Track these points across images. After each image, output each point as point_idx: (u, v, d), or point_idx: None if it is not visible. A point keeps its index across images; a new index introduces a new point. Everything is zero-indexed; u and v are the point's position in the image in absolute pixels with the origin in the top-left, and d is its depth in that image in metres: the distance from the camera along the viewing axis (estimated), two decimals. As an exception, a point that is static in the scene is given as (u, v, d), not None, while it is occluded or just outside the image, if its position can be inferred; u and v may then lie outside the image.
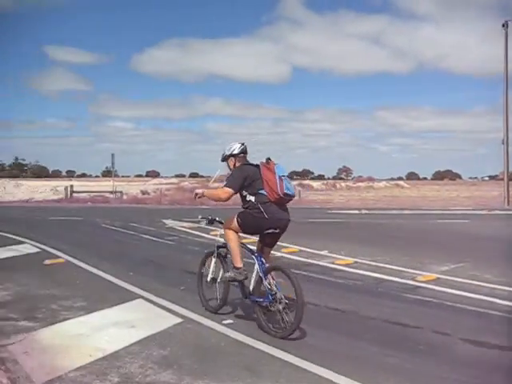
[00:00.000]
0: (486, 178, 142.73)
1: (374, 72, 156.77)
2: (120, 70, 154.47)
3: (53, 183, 45.74)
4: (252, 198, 5.67)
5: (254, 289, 5.71)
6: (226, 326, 5.54)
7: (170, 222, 15.88)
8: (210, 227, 14.40)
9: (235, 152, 5.95)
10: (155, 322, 5.65)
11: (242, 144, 6.00)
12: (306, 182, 70.70)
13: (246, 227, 5.75)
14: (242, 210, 5.77)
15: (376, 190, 60.62)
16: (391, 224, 17.26)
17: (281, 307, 5.28)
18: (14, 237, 12.32)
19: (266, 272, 5.57)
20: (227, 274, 5.85)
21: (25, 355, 4.63)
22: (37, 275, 8.18)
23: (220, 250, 6.20)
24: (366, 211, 22.53)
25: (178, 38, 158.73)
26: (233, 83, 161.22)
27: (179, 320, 5.73)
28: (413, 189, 64.99)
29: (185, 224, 15.42)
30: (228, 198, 5.73)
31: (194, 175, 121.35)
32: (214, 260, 6.23)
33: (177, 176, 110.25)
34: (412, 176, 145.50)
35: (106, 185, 49.74)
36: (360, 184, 72.41)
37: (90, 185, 52.72)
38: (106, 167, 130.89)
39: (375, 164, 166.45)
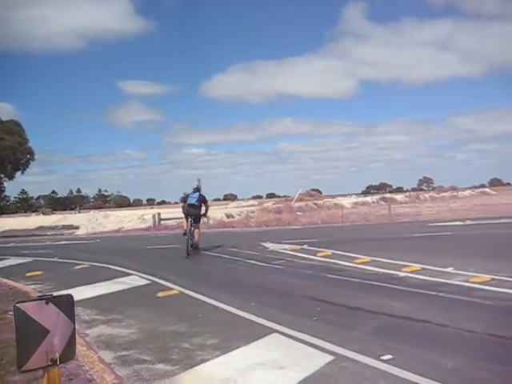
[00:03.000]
0: None
1: (444, 78, 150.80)
2: (190, 99, 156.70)
3: (138, 212, 46.45)
4: (186, 205, 14.49)
5: (188, 235, 14.07)
6: (387, 362, 4.80)
7: (270, 245, 15.27)
8: (315, 248, 13.85)
9: (194, 187, 14.72)
10: (304, 361, 5.00)
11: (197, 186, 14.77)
12: (388, 195, 68.72)
13: (185, 216, 14.46)
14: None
15: (462, 200, 57.87)
16: (508, 234, 15.94)
17: (191, 243, 14.05)
18: (118, 268, 12.07)
19: (191, 231, 14.12)
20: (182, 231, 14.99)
21: (177, 408, 4.09)
22: (155, 309, 7.77)
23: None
24: (471, 222, 21.15)
25: (244, 62, 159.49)
26: (302, 102, 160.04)
27: (330, 357, 5.05)
28: (501, 195, 61.51)
29: (286, 246, 14.78)
30: (183, 207, 14.73)
31: (270, 196, 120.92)
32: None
33: (254, 198, 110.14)
34: (495, 182, 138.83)
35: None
36: (444, 194, 69.65)
37: (172, 211, 53.31)
38: (184, 193, 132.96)
39: (455, 172, 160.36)
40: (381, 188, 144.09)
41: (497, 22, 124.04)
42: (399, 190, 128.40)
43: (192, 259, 13.63)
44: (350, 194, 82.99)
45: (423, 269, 9.93)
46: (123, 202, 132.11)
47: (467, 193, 72.73)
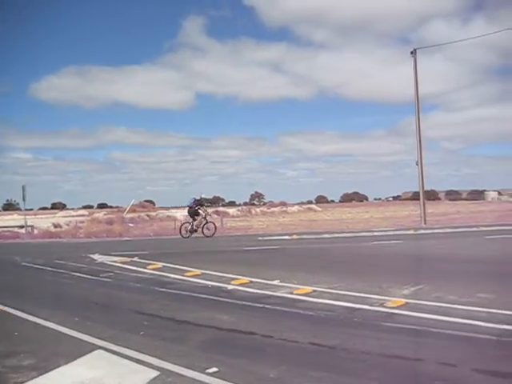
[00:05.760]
0: (390, 199, 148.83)
1: (278, 99, 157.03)
2: (17, 99, 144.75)
3: (-49, 220, 42.34)
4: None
5: (192, 227, 24.32)
6: (213, 375, 4.80)
7: (98, 257, 14.69)
8: (145, 261, 13.58)
9: (202, 197, 25.82)
10: (128, 379, 4.82)
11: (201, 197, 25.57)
12: (222, 209, 70.04)
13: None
14: None
15: (291, 215, 60.97)
16: (329, 248, 16.97)
17: (190, 229, 24.33)
18: None
19: (192, 223, 24.34)
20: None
21: None
22: (-37, 328, 7.03)
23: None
24: (297, 236, 22.26)
25: (78, 65, 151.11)
26: (137, 111, 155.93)
27: (155, 373, 4.92)
28: (325, 211, 65.85)
29: (115, 258, 14.32)
30: None
31: (102, 206, 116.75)
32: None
33: (85, 207, 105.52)
34: (321, 199, 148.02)
35: (11, 219, 46.63)
36: (274, 209, 72.71)
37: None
38: (7, 200, 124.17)
39: (285, 189, 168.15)
40: (214, 201, 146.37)
41: (325, 51, 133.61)
42: (232, 203, 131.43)
43: (10, 272, 12.72)
44: (184, 207, 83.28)
45: (251, 281, 10.18)
46: None
47: (295, 208, 76.69)
